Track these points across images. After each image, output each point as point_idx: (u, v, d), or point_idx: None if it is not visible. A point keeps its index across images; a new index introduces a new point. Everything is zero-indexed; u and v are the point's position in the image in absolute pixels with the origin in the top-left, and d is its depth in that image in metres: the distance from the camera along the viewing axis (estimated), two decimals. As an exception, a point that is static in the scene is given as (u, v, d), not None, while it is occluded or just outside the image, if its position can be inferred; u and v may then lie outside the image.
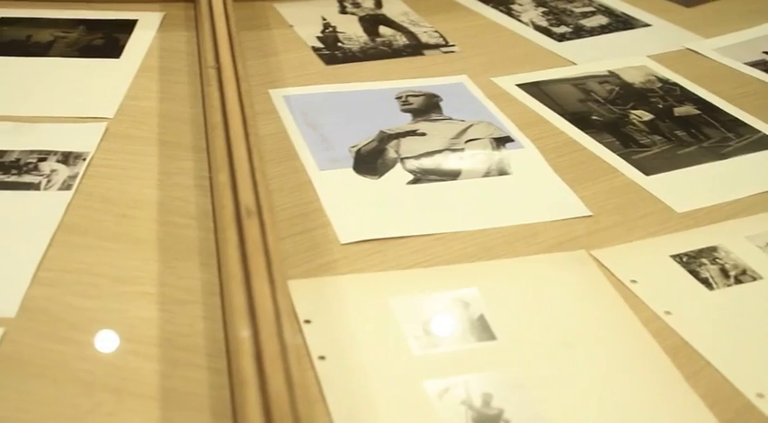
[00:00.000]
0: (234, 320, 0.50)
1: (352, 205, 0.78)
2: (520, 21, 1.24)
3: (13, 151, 0.85)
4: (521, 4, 1.31)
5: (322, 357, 0.61)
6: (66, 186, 0.80)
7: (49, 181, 0.81)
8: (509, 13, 1.27)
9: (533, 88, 1.02)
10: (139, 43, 1.12)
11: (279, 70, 1.05)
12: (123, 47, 1.11)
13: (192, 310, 0.65)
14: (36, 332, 0.63)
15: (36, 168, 0.82)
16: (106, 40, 1.13)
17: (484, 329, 0.64)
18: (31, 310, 0.65)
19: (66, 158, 0.84)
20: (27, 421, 0.56)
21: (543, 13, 1.28)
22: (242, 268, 0.54)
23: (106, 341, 0.62)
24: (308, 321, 0.64)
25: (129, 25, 1.18)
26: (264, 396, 0.45)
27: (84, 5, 1.23)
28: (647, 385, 0.60)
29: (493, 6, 1.29)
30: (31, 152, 0.85)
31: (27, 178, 0.81)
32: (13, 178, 0.81)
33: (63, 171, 0.82)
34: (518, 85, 1.03)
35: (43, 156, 0.85)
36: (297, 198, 0.79)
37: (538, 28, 1.22)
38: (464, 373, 0.60)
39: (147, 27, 1.17)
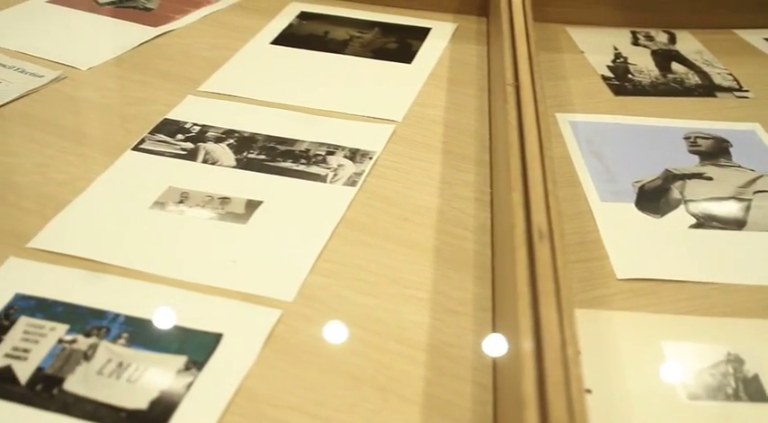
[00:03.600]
0: (519, 341, 0.50)
1: (631, 241, 0.77)
2: (820, 74, 1.19)
3: (303, 141, 0.89)
4: (822, 57, 1.25)
5: (588, 390, 0.60)
6: (351, 182, 0.82)
7: (335, 175, 0.83)
8: (809, 64, 1.22)
9: (828, 146, 0.97)
10: (431, 51, 1.14)
11: (567, 95, 1.05)
12: (415, 53, 1.14)
13: (462, 321, 0.66)
14: (310, 319, 0.65)
15: (324, 161, 0.85)
16: (399, 44, 1.16)
17: (758, 390, 0.62)
18: (307, 297, 0.68)
19: (354, 155, 0.86)
20: (294, 404, 0.58)
21: None
22: (530, 290, 0.54)
23: (377, 339, 0.64)
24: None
25: (422, 32, 1.21)
26: (544, 421, 0.45)
27: (381, 8, 1.27)
28: None
29: (792, 56, 1.24)
30: (321, 144, 0.88)
31: (314, 169, 0.84)
32: (301, 167, 0.84)
33: (349, 167, 0.84)
34: (813, 141, 0.98)
35: (332, 150, 0.87)
36: (576, 226, 0.78)
37: (839, 83, 1.16)
38: (733, 431, 0.58)
39: (440, 37, 1.19)
